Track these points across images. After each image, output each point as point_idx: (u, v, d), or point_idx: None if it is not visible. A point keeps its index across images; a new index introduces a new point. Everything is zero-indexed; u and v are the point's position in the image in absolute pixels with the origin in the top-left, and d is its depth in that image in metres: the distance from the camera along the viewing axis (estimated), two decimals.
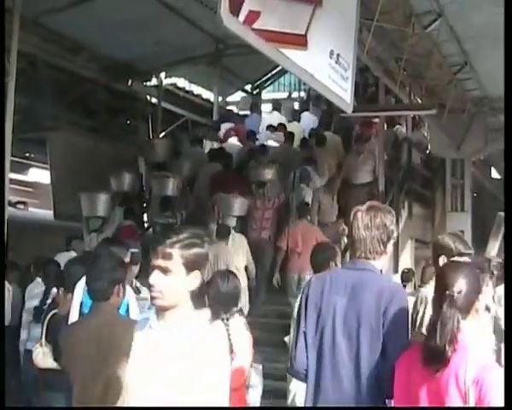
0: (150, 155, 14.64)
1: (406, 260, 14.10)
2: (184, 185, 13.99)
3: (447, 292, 3.31)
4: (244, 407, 3.26)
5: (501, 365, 12.47)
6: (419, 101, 13.19)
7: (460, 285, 3.34)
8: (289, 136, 15.44)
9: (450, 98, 13.01)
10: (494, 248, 20.17)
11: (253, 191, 13.15)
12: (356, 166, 13.32)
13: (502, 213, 19.95)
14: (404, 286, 9.53)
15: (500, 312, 13.88)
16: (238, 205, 12.36)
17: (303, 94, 20.92)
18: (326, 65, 7.48)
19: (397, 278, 11.27)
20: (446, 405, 3.17)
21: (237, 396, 4.47)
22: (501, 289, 14.31)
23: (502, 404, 3.08)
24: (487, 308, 6.94)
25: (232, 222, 12.12)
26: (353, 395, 3.66)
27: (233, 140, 15.94)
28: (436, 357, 3.23)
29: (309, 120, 17.13)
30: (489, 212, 19.42)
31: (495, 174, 22.08)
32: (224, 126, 16.81)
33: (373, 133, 14.28)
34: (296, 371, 3.99)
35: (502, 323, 14.18)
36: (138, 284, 7.51)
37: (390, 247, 3.90)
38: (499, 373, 3.22)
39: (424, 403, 3.29)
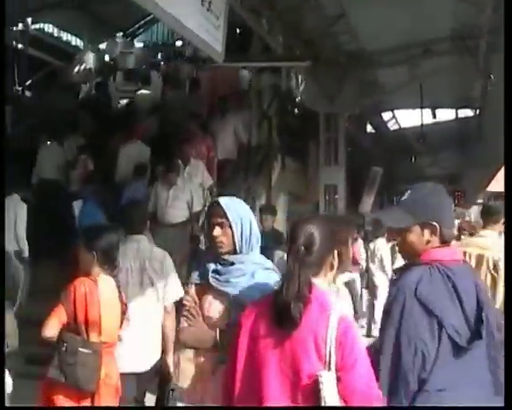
0: None
1: (279, 215, 14.31)
2: None
3: (292, 246, 3.26)
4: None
5: (374, 320, 12.87)
6: (293, 52, 13.29)
7: (306, 240, 3.28)
8: None
9: (324, 51, 13.17)
10: (368, 204, 20.83)
11: None
12: (166, 202, 11.09)
13: (376, 168, 20.62)
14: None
15: (373, 267, 14.46)
16: None
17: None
18: (197, 12, 7.45)
19: None
20: (302, 368, 3.06)
21: None
22: (374, 244, 14.91)
23: (364, 361, 3.10)
24: (357, 263, 7.11)
25: None
26: None
27: None
28: (284, 315, 3.11)
29: None
30: (363, 167, 20.01)
31: (370, 129, 22.63)
32: None
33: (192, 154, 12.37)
34: None
35: (375, 278, 14.79)
36: None
37: None
38: (357, 329, 3.24)
39: (273, 366, 3.14)
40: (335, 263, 3.41)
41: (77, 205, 11.13)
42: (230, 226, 3.94)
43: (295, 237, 3.29)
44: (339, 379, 3.02)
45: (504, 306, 3.34)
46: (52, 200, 12.16)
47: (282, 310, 3.10)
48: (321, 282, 3.30)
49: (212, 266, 4.01)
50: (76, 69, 17.70)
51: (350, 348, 3.05)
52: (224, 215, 3.93)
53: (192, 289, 4.08)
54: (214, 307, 3.95)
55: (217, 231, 3.94)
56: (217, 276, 3.98)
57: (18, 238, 10.63)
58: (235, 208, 4.01)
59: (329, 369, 3.04)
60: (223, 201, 4.00)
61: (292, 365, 3.09)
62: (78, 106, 15.64)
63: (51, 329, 4.94)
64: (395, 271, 3.76)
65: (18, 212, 10.70)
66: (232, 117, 13.53)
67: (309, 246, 3.25)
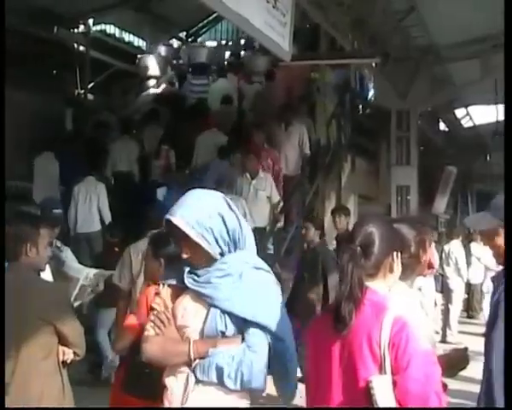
0: None
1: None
2: None
3: (348, 245, 3.15)
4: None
5: (449, 326, 12.53)
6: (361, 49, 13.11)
7: (364, 240, 3.17)
8: None
9: (394, 46, 12.95)
10: (442, 205, 20.43)
11: None
12: None
13: (450, 167, 20.21)
14: None
15: (448, 271, 14.11)
16: None
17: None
18: (263, 10, 7.33)
19: None
20: (359, 372, 3.00)
21: None
22: (449, 246, 14.56)
23: (419, 362, 2.96)
24: (431, 267, 6.89)
25: None
26: None
27: None
28: (338, 317, 3.04)
29: None
30: (436, 166, 19.63)
31: (443, 127, 22.25)
32: None
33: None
34: None
35: (450, 282, 14.43)
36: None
37: None
38: (416, 332, 3.06)
39: (336, 372, 3.11)
40: (396, 266, 3.28)
41: (161, 192, 11.58)
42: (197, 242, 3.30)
43: (353, 236, 3.21)
44: (395, 383, 2.94)
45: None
46: (128, 191, 12.55)
47: (336, 311, 3.07)
48: (379, 285, 3.20)
49: (187, 267, 3.39)
50: (151, 67, 18.02)
51: (403, 349, 2.96)
52: (183, 234, 3.28)
53: (164, 291, 3.47)
54: (190, 314, 3.35)
55: (185, 253, 3.32)
56: (194, 276, 3.36)
57: (104, 219, 11.12)
58: (195, 218, 3.29)
59: (384, 372, 2.97)
60: (175, 218, 3.29)
61: (350, 369, 3.06)
62: (155, 101, 16.05)
63: (124, 342, 4.85)
64: (493, 279, 3.85)
65: (99, 193, 11.13)
66: (297, 128, 12.96)
67: (366, 247, 3.16)
